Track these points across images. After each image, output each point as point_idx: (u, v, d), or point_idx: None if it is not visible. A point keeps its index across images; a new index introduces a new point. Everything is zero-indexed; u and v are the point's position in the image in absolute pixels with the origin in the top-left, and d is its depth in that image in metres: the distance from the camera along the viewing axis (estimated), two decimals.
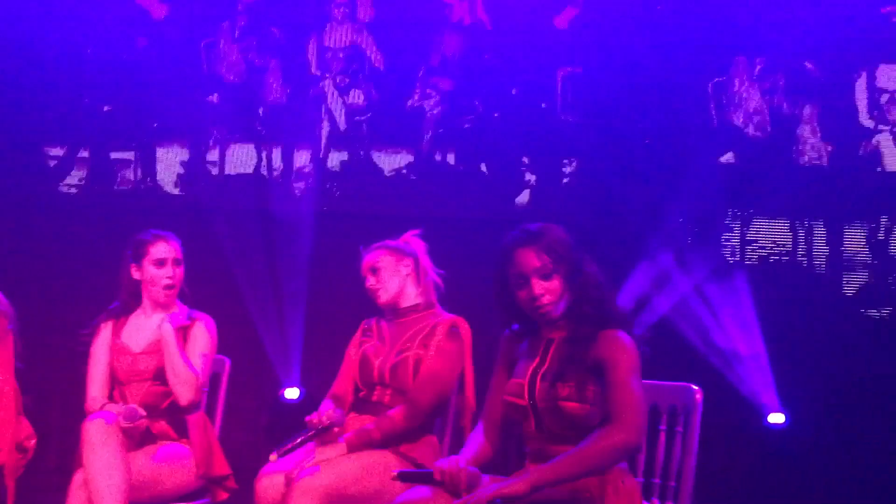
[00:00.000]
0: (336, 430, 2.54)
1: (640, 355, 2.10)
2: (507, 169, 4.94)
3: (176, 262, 2.84)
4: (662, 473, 2.26)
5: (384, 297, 2.81)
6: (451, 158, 4.98)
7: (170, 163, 4.99)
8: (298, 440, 2.45)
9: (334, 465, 2.46)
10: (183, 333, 2.79)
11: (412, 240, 2.91)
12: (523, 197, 4.91)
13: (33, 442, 2.77)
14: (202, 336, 2.83)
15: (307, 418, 2.54)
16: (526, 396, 2.16)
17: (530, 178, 4.92)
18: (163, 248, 2.84)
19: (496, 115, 4.93)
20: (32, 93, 4.82)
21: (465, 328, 2.75)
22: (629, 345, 2.10)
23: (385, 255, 2.83)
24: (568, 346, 2.14)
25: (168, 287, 2.82)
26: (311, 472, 2.42)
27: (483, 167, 4.97)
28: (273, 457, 2.43)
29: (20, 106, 4.83)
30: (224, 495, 2.77)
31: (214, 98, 5.00)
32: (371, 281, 2.83)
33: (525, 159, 4.93)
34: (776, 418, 4.55)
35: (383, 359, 2.74)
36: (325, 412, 2.55)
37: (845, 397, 4.65)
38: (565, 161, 4.93)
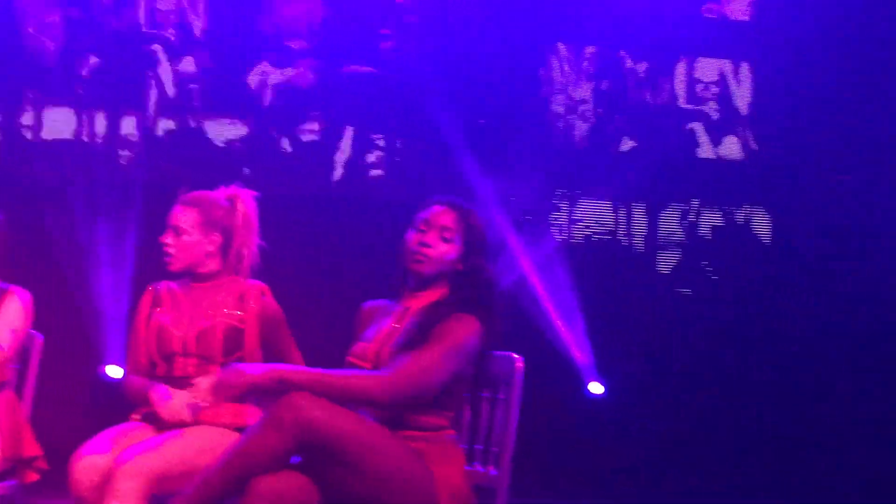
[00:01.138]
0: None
1: (475, 347, 2.17)
2: (329, 147, 4.91)
3: None
4: (485, 439, 2.34)
5: (177, 265, 2.52)
6: (285, 132, 4.90)
7: None
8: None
9: (162, 445, 2.37)
10: None
11: (226, 201, 2.59)
12: (341, 171, 4.90)
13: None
14: (14, 309, 2.66)
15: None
16: (370, 359, 2.19)
17: (344, 155, 4.91)
18: None
19: (329, 88, 4.89)
20: None
21: (269, 295, 2.58)
22: (471, 331, 2.16)
23: (195, 216, 2.54)
24: (423, 316, 2.18)
25: None
26: (136, 452, 2.32)
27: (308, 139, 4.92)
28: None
29: None
30: (34, 476, 2.62)
31: (29, 58, 4.68)
32: (170, 239, 2.53)
33: (348, 133, 4.92)
34: (595, 388, 4.81)
35: (186, 326, 2.51)
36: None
37: (659, 368, 4.98)
38: (397, 141, 4.97)
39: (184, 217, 2.55)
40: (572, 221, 5.10)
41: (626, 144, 5.14)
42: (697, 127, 5.21)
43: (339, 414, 2.03)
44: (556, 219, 5.08)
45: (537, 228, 4.92)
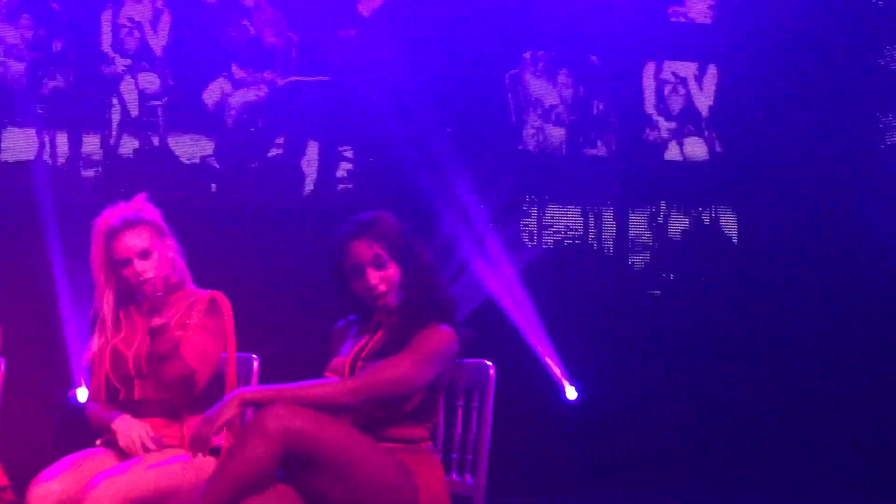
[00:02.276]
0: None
1: (451, 354, 2.17)
2: (296, 157, 4.89)
3: None
4: (460, 448, 2.34)
5: (160, 285, 2.41)
6: (248, 145, 4.87)
7: None
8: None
9: (133, 467, 2.33)
10: None
11: (148, 206, 2.51)
12: (310, 185, 4.88)
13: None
14: None
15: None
16: (346, 371, 2.19)
17: (312, 168, 4.89)
18: None
19: (293, 101, 4.87)
20: None
21: (224, 302, 2.49)
22: (444, 339, 2.16)
23: (150, 232, 2.45)
24: (395, 330, 2.18)
25: None
26: (106, 475, 2.28)
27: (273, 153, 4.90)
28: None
29: None
30: None
31: None
32: (141, 267, 2.41)
33: (312, 147, 4.90)
34: (570, 393, 4.82)
35: (137, 347, 2.44)
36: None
37: (630, 370, 5.00)
38: (369, 154, 4.96)
39: (140, 239, 2.45)
40: (542, 227, 5.11)
41: (596, 149, 5.17)
42: (664, 129, 5.25)
43: (323, 421, 2.02)
44: (526, 225, 5.09)
45: (508, 235, 4.93)
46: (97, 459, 2.41)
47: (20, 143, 4.65)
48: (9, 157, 4.64)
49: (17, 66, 4.66)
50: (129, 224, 2.46)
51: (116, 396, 2.48)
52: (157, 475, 2.32)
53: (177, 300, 2.51)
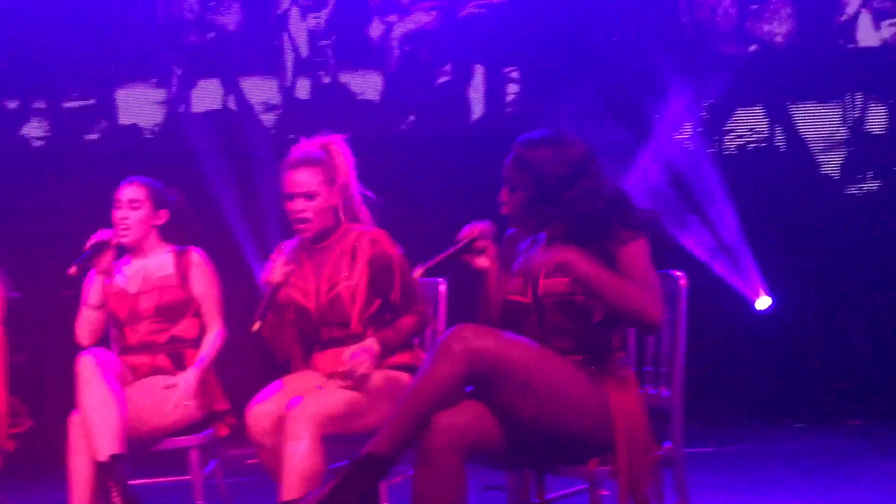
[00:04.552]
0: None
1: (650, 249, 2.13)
2: (464, 86, 4.86)
3: (131, 204, 2.83)
4: (654, 360, 2.30)
5: (314, 228, 2.52)
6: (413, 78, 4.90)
7: (134, 106, 4.90)
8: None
9: (328, 389, 2.46)
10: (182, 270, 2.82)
11: (331, 148, 2.55)
12: (477, 112, 4.85)
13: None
14: (200, 267, 2.84)
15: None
16: (529, 293, 2.18)
17: (479, 93, 4.83)
18: (121, 192, 2.85)
19: (452, 29, 4.83)
20: None
21: (385, 239, 2.56)
22: (643, 242, 2.12)
23: (320, 176, 2.51)
24: (581, 244, 2.13)
25: (124, 228, 2.82)
26: (305, 397, 2.42)
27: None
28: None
29: None
30: (226, 431, 2.81)
31: (173, 35, 4.88)
32: (301, 206, 2.50)
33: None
34: (762, 303, 4.62)
35: (315, 288, 2.54)
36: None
37: (826, 278, 4.71)
38: (537, 75, 4.86)
39: (308, 178, 2.52)
40: (723, 132, 4.86)
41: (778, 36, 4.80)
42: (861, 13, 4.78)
43: (508, 341, 2.05)
44: (707, 130, 4.85)
45: (691, 141, 4.72)
46: (304, 381, 2.56)
47: (207, 95, 4.92)
48: (198, 107, 4.91)
49: (194, 17, 4.89)
50: (302, 162, 2.55)
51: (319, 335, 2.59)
52: (350, 394, 2.45)
53: (338, 240, 2.57)
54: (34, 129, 4.89)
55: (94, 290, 2.81)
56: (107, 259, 2.79)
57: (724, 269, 4.59)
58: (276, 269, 2.49)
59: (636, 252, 2.10)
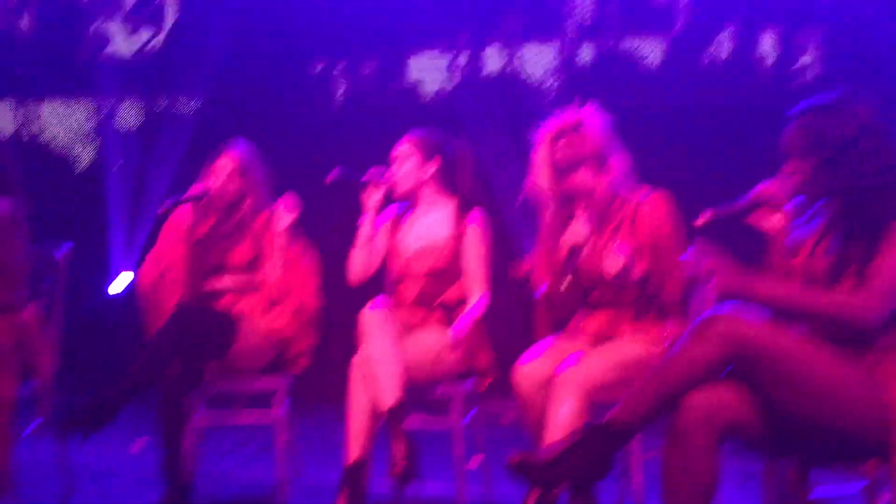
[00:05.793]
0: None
1: None
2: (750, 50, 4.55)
3: (401, 157, 2.88)
4: None
5: (602, 195, 2.57)
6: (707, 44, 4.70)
7: (417, 70, 5.09)
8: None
9: (598, 355, 2.46)
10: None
11: (592, 116, 2.55)
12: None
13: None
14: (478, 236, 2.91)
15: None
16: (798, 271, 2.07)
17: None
18: (394, 149, 2.92)
19: None
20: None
21: (662, 204, 2.55)
22: None
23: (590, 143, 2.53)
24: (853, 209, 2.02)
25: (395, 182, 2.90)
26: (574, 362, 2.43)
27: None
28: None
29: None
30: (486, 384, 2.89)
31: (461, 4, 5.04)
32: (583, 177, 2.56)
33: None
34: None
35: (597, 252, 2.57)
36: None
37: None
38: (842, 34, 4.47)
39: (572, 148, 2.54)
40: None
41: None
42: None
43: (774, 329, 1.93)
44: None
45: None
46: (573, 343, 2.57)
47: (491, 61, 5.02)
48: (487, 72, 5.03)
49: None
50: (566, 132, 2.54)
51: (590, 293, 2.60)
52: (620, 363, 2.44)
53: (623, 204, 2.57)
54: (336, 90, 5.29)
55: (365, 229, 2.89)
56: (374, 199, 2.88)
57: None
58: (577, 232, 2.54)
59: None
